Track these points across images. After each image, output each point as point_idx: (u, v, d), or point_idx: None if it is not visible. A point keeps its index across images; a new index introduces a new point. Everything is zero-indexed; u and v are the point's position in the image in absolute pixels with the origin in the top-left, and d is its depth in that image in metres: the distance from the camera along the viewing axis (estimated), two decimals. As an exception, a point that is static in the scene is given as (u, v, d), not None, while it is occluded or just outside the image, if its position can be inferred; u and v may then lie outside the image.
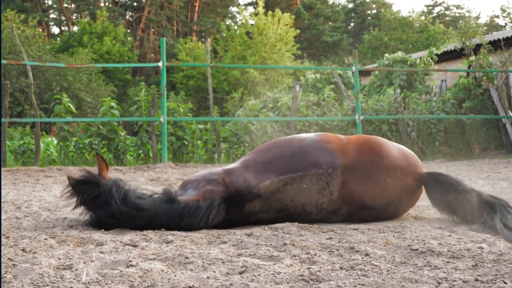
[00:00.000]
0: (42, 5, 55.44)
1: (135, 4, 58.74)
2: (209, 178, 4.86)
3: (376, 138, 5.26)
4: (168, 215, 4.57)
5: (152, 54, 54.44)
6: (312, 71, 24.65)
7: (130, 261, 3.34)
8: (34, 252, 3.67)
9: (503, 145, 16.31)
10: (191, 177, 5.14)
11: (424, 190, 5.17)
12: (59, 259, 3.46)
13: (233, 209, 4.72)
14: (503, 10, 67.74)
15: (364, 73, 26.44)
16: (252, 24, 42.33)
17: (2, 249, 3.65)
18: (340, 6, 65.27)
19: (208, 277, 3.02)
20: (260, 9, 41.70)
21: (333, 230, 4.50)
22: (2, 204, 5.62)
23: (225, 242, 4.09)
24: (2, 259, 3.35)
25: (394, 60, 21.29)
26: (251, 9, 58.06)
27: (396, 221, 5.06)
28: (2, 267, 3.18)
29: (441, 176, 5.11)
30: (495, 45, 18.59)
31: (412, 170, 5.05)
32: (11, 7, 42.76)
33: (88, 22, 45.76)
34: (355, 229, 4.54)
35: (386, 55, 22.67)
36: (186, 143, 14.77)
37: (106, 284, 2.90)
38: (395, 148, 5.13)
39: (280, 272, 3.11)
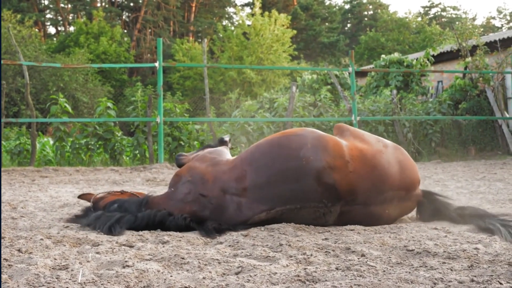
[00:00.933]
0: (38, 5, 55.36)
1: (131, 4, 58.66)
2: (199, 193, 4.66)
3: (380, 163, 4.72)
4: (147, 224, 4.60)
5: (149, 55, 54.43)
6: (309, 72, 24.67)
7: (126, 261, 3.34)
8: (30, 253, 3.66)
9: (499, 146, 16.34)
10: (185, 168, 4.95)
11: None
12: (55, 259, 3.46)
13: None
14: (499, 12, 67.99)
15: (360, 74, 26.47)
16: (248, 25, 42.33)
17: (-3, 249, 3.65)
18: (337, 7, 65.35)
19: (204, 278, 3.02)
20: (257, 10, 41.68)
21: (329, 231, 4.50)
22: (-2, 204, 5.61)
23: (221, 243, 4.09)
24: (-3, 259, 3.35)
25: (391, 61, 21.31)
26: (247, 9, 58.19)
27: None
28: (-3, 267, 3.17)
29: (435, 197, 5.02)
30: (491, 46, 18.63)
31: (411, 194, 4.86)
32: (7, 7, 42.70)
33: (84, 22, 45.69)
34: (351, 230, 4.54)
35: (383, 56, 22.68)
36: (183, 143, 14.77)
37: (102, 284, 2.90)
38: (397, 173, 4.76)
39: (276, 273, 3.11)
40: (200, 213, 4.62)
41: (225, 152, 5.24)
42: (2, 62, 14.78)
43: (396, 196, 4.74)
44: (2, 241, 4.01)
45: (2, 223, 4.87)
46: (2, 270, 3.12)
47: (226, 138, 5.88)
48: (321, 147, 4.63)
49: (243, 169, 4.67)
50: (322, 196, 4.52)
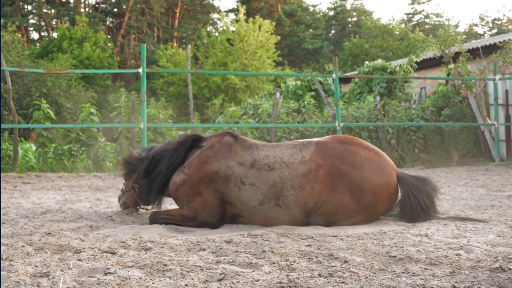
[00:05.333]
0: (21, 10, 54.97)
1: (115, 10, 58.49)
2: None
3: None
4: None
5: (133, 60, 54.23)
6: (293, 78, 24.70)
7: (108, 268, 3.32)
8: (11, 260, 3.63)
9: (482, 153, 16.44)
10: None
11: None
12: (36, 266, 3.43)
13: None
14: (482, 19, 68.48)
15: (344, 80, 26.55)
16: (233, 31, 42.30)
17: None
18: (321, 14, 65.49)
19: (186, 285, 3.01)
20: (241, 16, 41.69)
21: (312, 237, 4.51)
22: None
23: (204, 249, 4.08)
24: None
25: (374, 68, 21.40)
26: (232, 15, 58.11)
27: (375, 227, 5.07)
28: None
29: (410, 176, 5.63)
30: (474, 53, 18.76)
31: (385, 162, 5.45)
32: (-10, 13, 42.35)
33: (67, 28, 45.44)
34: (334, 236, 4.55)
35: (366, 62, 22.77)
36: (166, 149, 14.70)
37: (83, 292, 2.88)
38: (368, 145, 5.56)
39: (258, 279, 3.11)
40: None
41: None
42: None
43: (368, 154, 5.34)
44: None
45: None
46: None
47: None
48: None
49: None
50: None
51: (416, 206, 5.42)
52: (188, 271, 3.33)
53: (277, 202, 5.10)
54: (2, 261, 3.60)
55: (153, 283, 3.04)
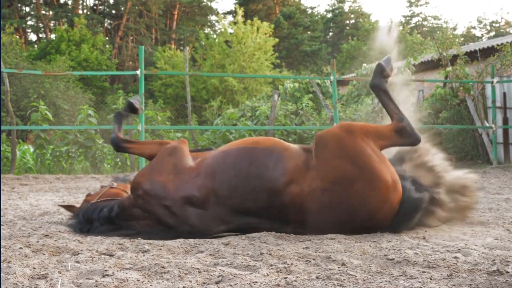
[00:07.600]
0: (19, 12, 54.97)
1: (113, 12, 58.50)
2: (161, 203, 4.81)
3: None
4: None
5: (131, 62, 54.25)
6: (291, 80, 24.72)
7: (105, 270, 3.32)
8: (9, 262, 3.63)
9: (479, 155, 16.45)
10: (144, 176, 5.21)
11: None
12: (34, 268, 3.43)
13: None
14: (480, 21, 68.58)
15: (342, 83, 26.57)
16: (231, 33, 42.33)
17: (-25, 258, 3.61)
18: (319, 16, 65.52)
19: (184, 287, 3.01)
20: (239, 18, 41.72)
21: (310, 240, 4.51)
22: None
23: (202, 252, 4.08)
24: (-25, 268, 3.31)
25: (372, 70, 21.40)
26: (230, 17, 58.18)
27: (372, 230, 5.07)
28: (-25, 276, 3.14)
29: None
30: (472, 56, 18.78)
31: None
32: (-12, 14, 42.33)
33: (66, 30, 45.41)
34: (332, 239, 4.54)
35: (364, 64, 22.81)
36: (164, 151, 14.72)
37: (81, 294, 2.88)
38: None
39: (256, 282, 3.11)
40: (164, 220, 4.75)
41: (186, 155, 5.12)
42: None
43: (365, 200, 4.59)
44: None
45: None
46: (-20, 280, 3.09)
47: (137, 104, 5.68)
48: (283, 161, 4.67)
49: (206, 179, 4.73)
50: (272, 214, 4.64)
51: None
52: (185, 274, 3.33)
53: None
54: (0, 263, 3.60)
55: (150, 285, 3.04)
